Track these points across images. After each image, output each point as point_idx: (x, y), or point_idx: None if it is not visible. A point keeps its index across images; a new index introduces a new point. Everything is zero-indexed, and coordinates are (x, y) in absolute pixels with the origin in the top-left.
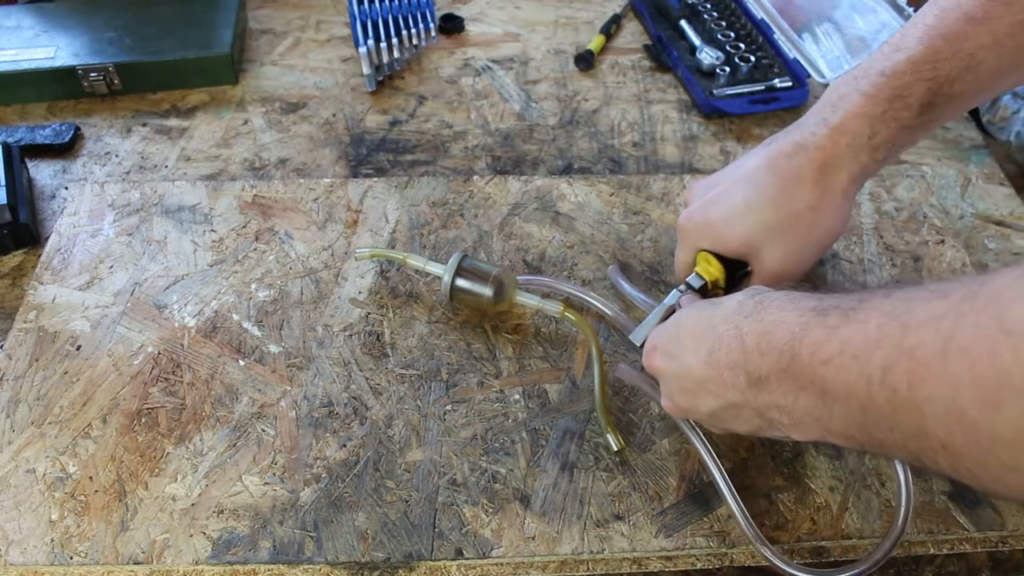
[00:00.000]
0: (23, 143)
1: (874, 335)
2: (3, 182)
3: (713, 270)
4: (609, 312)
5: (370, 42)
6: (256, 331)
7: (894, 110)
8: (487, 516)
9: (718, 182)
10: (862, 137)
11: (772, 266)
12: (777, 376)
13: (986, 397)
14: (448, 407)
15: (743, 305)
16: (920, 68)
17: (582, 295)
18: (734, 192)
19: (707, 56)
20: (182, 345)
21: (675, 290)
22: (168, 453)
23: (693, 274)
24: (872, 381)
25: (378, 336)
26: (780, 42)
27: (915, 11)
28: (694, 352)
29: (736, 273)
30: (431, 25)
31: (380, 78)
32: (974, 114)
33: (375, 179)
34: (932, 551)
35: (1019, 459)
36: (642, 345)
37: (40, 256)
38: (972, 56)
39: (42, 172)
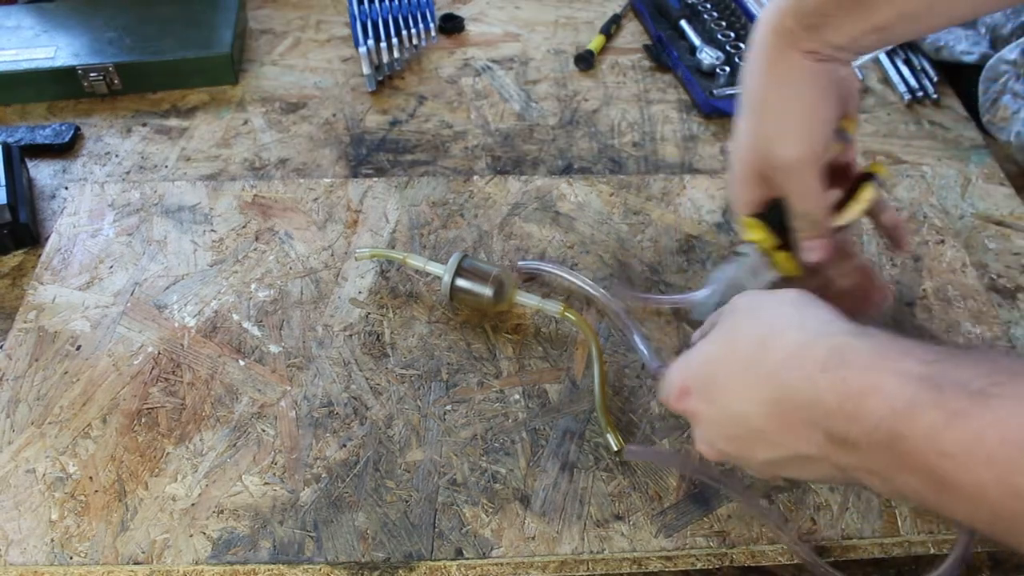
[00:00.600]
0: (23, 143)
1: (1020, 436)
2: (3, 182)
3: (760, 234)
4: (611, 306)
5: (370, 42)
6: (256, 331)
7: None
8: (487, 516)
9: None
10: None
11: (787, 156)
12: (869, 446)
13: None
14: (448, 407)
15: (809, 348)
16: None
17: (581, 283)
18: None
19: (707, 56)
20: (182, 345)
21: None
22: (168, 453)
23: (741, 244)
24: (1021, 496)
25: (378, 336)
26: None
27: None
28: (747, 399)
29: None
30: (431, 25)
31: (380, 78)
32: (974, 114)
33: (375, 179)
34: (932, 551)
35: None
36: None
37: (40, 256)
38: None
39: (42, 172)
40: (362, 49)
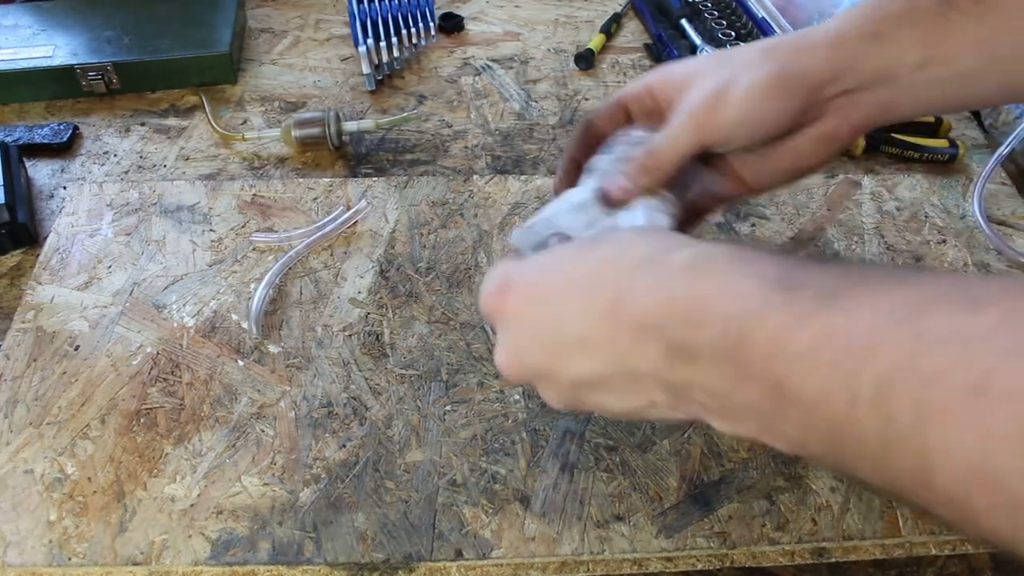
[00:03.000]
0: (21, 142)
1: (867, 338)
2: (1, 182)
3: None
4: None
5: (369, 41)
6: (255, 331)
7: None
8: (487, 517)
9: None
10: (861, 5)
11: (695, 101)
12: (712, 354)
13: None
14: (448, 407)
15: (671, 252)
16: None
17: None
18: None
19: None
20: (181, 345)
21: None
22: (167, 454)
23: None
24: (858, 399)
25: (378, 336)
26: None
27: None
28: (579, 301)
29: None
30: (431, 24)
31: (379, 77)
32: (975, 113)
33: (374, 179)
34: (934, 552)
35: None
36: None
37: (38, 256)
38: None
39: (40, 172)
40: (361, 48)
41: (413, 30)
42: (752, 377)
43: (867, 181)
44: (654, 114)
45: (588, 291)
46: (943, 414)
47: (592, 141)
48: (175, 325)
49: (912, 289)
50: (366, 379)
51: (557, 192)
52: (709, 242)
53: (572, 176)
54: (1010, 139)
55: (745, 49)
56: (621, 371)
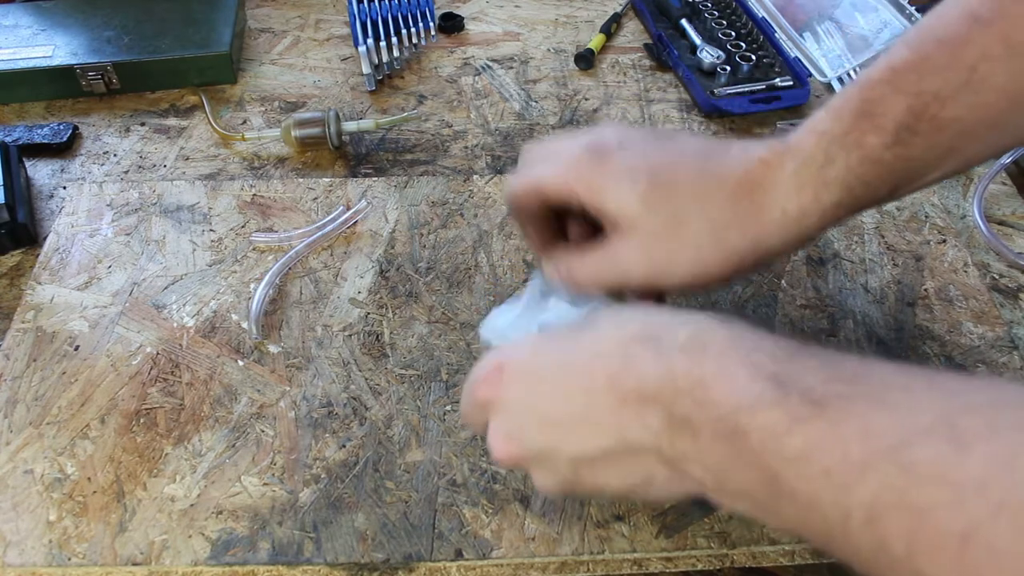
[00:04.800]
0: (21, 142)
1: (856, 457)
2: (1, 181)
3: None
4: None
5: (369, 41)
6: (255, 331)
7: (859, 131)
8: (487, 517)
9: (634, 136)
10: (812, 163)
11: (631, 254)
12: (712, 434)
13: None
14: (448, 407)
15: (670, 329)
16: (902, 78)
17: None
18: (642, 144)
19: (708, 55)
20: (181, 345)
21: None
22: (167, 454)
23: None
24: (851, 518)
25: (377, 336)
26: (781, 41)
27: (917, 10)
28: (582, 374)
29: None
30: (431, 24)
31: (379, 77)
32: None
33: (374, 178)
34: None
35: None
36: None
37: (38, 256)
38: (974, 70)
39: (40, 171)
40: (361, 48)
41: (413, 30)
42: (749, 465)
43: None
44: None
45: (588, 366)
46: (933, 552)
47: (531, 213)
48: (175, 325)
49: (898, 415)
50: (366, 379)
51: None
52: (706, 320)
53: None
54: (1013, 153)
55: (686, 198)
56: (622, 445)
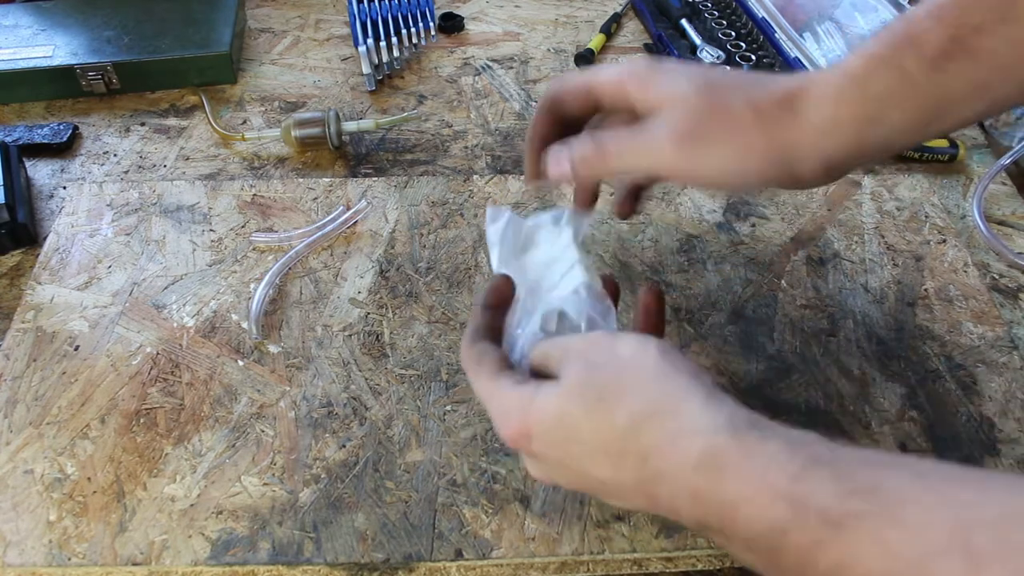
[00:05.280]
0: (21, 142)
1: (880, 574)
2: (1, 181)
3: None
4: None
5: (369, 41)
6: (255, 331)
7: (901, 55)
8: (487, 517)
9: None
10: (854, 79)
11: (669, 139)
12: (745, 546)
13: None
14: (448, 407)
15: (683, 442)
16: (946, 12)
17: None
18: (697, 65)
19: (708, 55)
20: (181, 345)
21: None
22: (167, 454)
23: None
24: None
25: (378, 336)
26: (781, 41)
27: None
28: (608, 460)
29: None
30: (431, 24)
31: (379, 77)
32: None
33: (374, 178)
34: None
35: None
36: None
37: (38, 256)
38: (1014, 4)
39: (40, 171)
40: (361, 48)
41: (413, 30)
42: (785, 570)
43: (867, 181)
44: (623, 111)
45: (614, 458)
46: None
47: (558, 119)
48: (175, 325)
49: (914, 534)
50: (366, 379)
51: (531, 179)
52: (713, 424)
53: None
54: (1012, 152)
55: (734, 93)
56: (655, 510)
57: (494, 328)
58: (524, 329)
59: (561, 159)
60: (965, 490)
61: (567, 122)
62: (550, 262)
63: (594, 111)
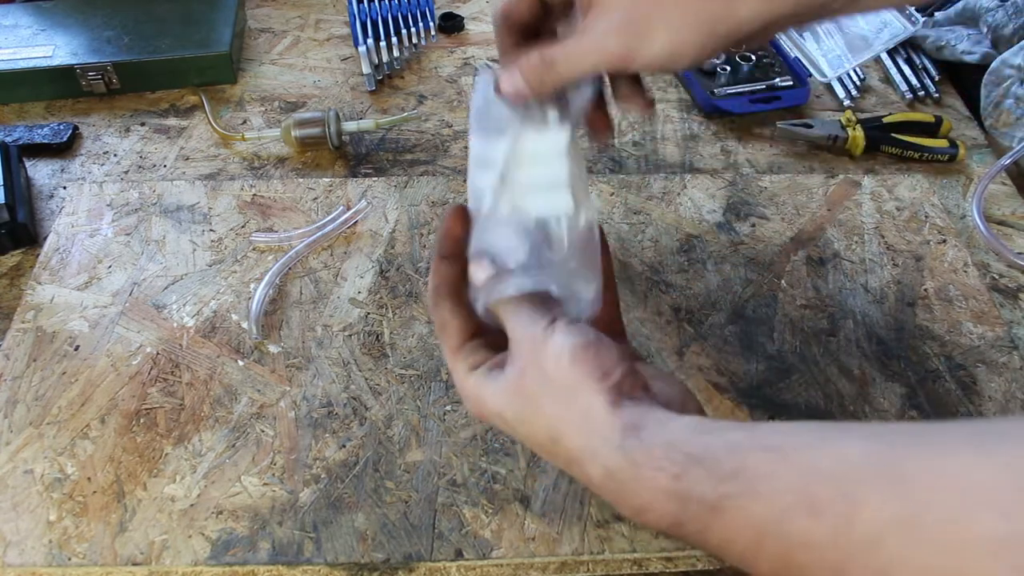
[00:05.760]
0: (21, 142)
1: (753, 542)
2: (1, 181)
3: None
4: None
5: (369, 41)
6: (255, 331)
7: None
8: (487, 517)
9: None
10: None
11: (611, 27)
12: (670, 534)
13: None
14: (448, 407)
15: (587, 463)
16: None
17: None
18: None
19: None
20: (181, 345)
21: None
22: (167, 454)
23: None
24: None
25: (378, 336)
26: (781, 41)
27: (917, 10)
28: (547, 453)
29: None
30: (431, 24)
31: (379, 77)
32: (975, 113)
33: (374, 178)
34: None
35: None
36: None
37: (38, 256)
38: None
39: (40, 171)
40: (361, 48)
41: (413, 30)
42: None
43: (867, 181)
44: (566, 7)
45: (552, 458)
46: None
47: (516, 34)
48: (175, 325)
49: (769, 501)
50: (366, 379)
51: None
52: (615, 440)
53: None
54: (1012, 153)
55: None
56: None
57: (454, 283)
58: (494, 212)
59: (513, 76)
60: (808, 452)
61: (527, 34)
62: (532, 160)
63: (544, 15)
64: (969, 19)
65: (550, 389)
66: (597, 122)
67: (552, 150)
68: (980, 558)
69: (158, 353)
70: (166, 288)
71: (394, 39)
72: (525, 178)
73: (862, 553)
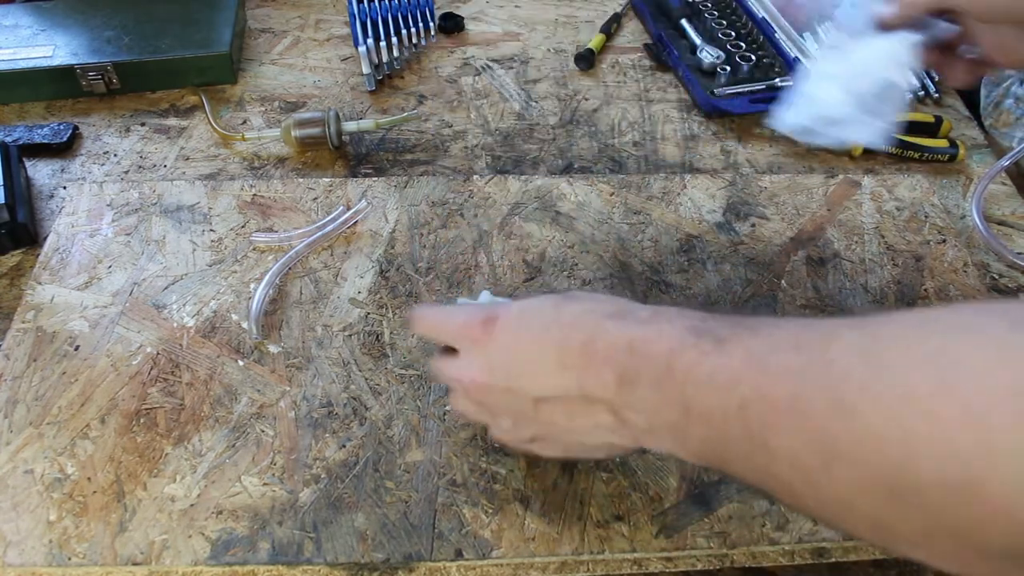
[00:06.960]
0: (21, 142)
1: (736, 371)
2: (1, 182)
3: None
4: None
5: (369, 41)
6: (255, 331)
7: None
8: (487, 517)
9: None
10: None
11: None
12: (648, 382)
13: (822, 459)
14: (448, 407)
15: (635, 309)
16: None
17: None
18: None
19: (708, 55)
20: (181, 345)
21: None
22: (167, 454)
23: None
24: (729, 415)
25: (377, 336)
26: (781, 41)
27: None
28: (562, 335)
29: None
30: (431, 24)
31: (379, 77)
32: (976, 113)
33: (374, 179)
34: None
35: (849, 516)
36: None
37: (38, 256)
38: None
39: (40, 172)
40: (361, 48)
41: (413, 30)
42: (673, 401)
43: (867, 181)
44: None
45: (566, 330)
46: (775, 425)
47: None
48: (175, 325)
49: (771, 335)
50: (366, 379)
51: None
52: (665, 306)
53: None
54: (1012, 153)
55: None
56: (580, 393)
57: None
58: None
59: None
60: (812, 320)
61: None
62: (876, 54)
63: None
64: None
65: (579, 296)
66: (940, 63)
67: (893, 51)
68: (927, 374)
69: (158, 353)
70: (166, 288)
71: (394, 39)
72: (864, 60)
73: (826, 377)
